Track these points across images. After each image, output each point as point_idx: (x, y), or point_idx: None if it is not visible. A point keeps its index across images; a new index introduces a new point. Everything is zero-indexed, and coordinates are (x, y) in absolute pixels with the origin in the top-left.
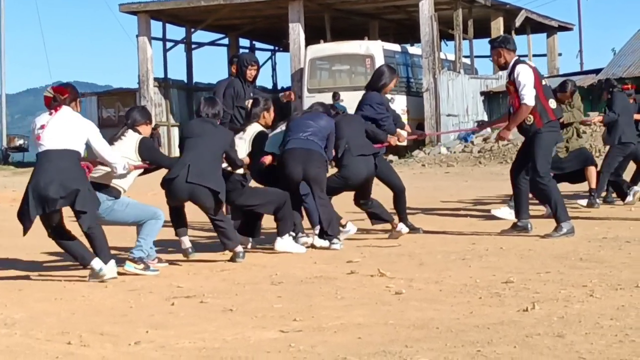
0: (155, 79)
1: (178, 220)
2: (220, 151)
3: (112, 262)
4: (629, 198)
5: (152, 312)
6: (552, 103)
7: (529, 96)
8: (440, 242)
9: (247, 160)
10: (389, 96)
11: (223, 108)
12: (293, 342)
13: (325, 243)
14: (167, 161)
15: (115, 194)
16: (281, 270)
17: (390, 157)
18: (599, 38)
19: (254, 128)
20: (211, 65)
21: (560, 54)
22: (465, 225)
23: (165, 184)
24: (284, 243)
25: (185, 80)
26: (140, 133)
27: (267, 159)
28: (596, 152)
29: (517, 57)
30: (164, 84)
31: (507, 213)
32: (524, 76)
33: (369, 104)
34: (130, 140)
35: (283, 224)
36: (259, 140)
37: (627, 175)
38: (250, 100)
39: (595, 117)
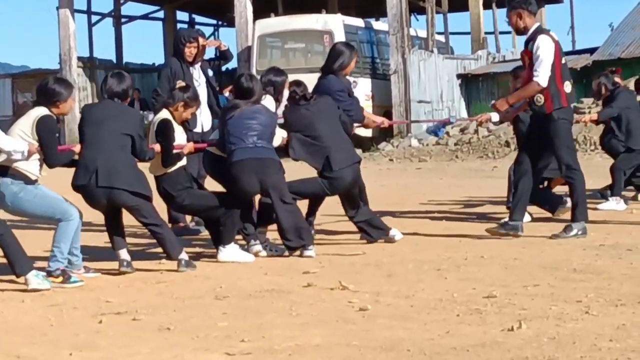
0: (79, 58)
1: (113, 229)
2: (129, 137)
3: (34, 272)
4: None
5: (76, 331)
6: (568, 86)
7: (543, 75)
8: (412, 250)
9: (190, 147)
10: (350, 79)
11: (157, 91)
12: None
13: (258, 247)
14: (54, 157)
15: (21, 178)
16: (227, 282)
17: None
18: (593, 12)
19: (160, 115)
20: (144, 42)
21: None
22: (441, 229)
23: (77, 190)
24: (229, 252)
25: (114, 60)
26: (54, 111)
27: (189, 147)
28: (591, 144)
29: (539, 24)
30: (90, 64)
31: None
32: (544, 51)
33: (328, 93)
34: (32, 115)
35: (227, 231)
36: (160, 130)
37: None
38: (183, 83)
39: (586, 115)
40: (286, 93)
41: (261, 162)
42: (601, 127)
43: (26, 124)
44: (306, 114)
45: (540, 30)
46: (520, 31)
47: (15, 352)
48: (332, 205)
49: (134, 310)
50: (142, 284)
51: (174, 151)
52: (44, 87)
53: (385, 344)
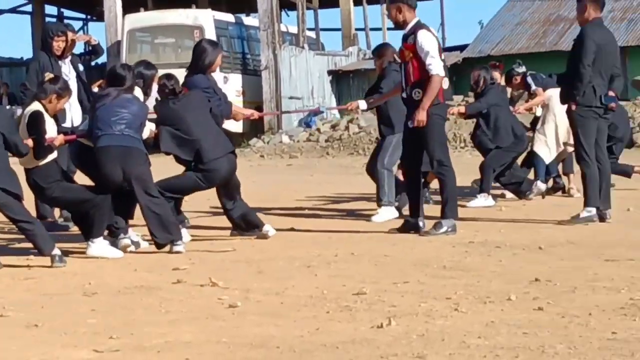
0: None
1: None
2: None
3: None
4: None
5: None
6: (445, 83)
7: (437, 66)
8: (283, 247)
9: (61, 139)
10: (221, 75)
11: (25, 85)
12: None
13: (127, 242)
14: None
15: None
16: (95, 279)
17: None
18: (463, 9)
19: (31, 107)
20: (12, 36)
21: None
22: (312, 226)
23: None
24: (98, 247)
25: None
26: None
27: (59, 140)
28: (461, 141)
29: (418, 19)
30: None
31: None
32: (427, 44)
33: None
34: None
35: (96, 225)
36: (32, 122)
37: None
38: (52, 75)
39: (455, 107)
40: (155, 87)
41: (127, 150)
42: (471, 124)
43: None
44: (175, 108)
45: (420, 25)
46: (399, 25)
47: None
48: (200, 200)
49: (2, 307)
50: (9, 280)
51: (46, 143)
52: None
53: (255, 341)
